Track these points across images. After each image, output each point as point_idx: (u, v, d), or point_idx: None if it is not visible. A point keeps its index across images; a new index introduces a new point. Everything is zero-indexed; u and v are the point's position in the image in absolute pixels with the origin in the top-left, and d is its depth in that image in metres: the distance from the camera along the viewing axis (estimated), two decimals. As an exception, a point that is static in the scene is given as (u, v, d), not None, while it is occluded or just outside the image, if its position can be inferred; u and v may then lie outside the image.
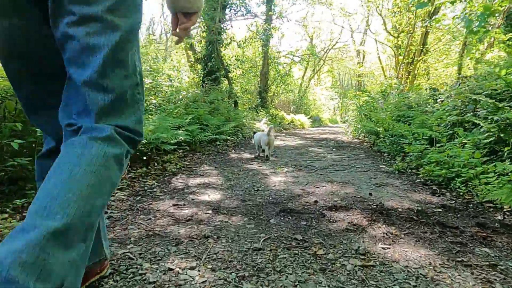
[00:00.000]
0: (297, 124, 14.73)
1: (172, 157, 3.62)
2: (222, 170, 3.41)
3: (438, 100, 4.58)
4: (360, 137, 7.13)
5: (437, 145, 3.21)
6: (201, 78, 9.92)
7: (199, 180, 2.91)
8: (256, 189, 2.57)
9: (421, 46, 11.12)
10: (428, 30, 10.04)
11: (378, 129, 5.21)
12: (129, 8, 0.80)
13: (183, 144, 4.38)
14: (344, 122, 32.84)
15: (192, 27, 0.99)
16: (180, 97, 5.36)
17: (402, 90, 7.12)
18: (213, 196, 2.37)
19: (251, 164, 3.79)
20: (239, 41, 11.14)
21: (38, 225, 0.58)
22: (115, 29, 0.76)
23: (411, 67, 11.39)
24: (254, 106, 13.28)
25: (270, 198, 2.31)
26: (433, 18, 8.81)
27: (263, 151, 4.26)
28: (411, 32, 10.67)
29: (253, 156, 4.53)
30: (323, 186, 2.66)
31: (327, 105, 30.58)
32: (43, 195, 0.64)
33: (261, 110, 12.72)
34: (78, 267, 0.64)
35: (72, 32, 0.74)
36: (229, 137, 5.79)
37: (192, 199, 2.26)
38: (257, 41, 11.75)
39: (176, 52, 14.40)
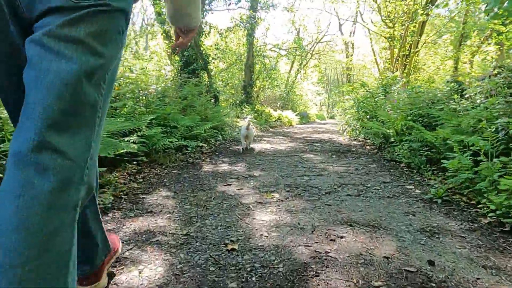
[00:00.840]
0: (284, 121, 13.72)
1: (111, 178, 2.50)
2: (184, 198, 2.32)
3: (466, 96, 3.63)
4: (359, 138, 6.17)
5: (494, 160, 2.22)
6: (178, 71, 8.76)
7: (141, 223, 1.82)
8: (229, 248, 1.50)
9: (419, 37, 10.28)
10: (430, 16, 9.14)
11: (388, 131, 4.23)
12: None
13: (139, 154, 3.26)
14: (331, 118, 32.38)
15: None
16: (139, 91, 4.20)
17: (405, 84, 6.19)
18: (148, 272, 1.28)
19: (229, 185, 2.71)
20: (221, 30, 9.98)
21: None
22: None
23: (407, 60, 10.55)
24: (238, 102, 12.19)
25: (254, 278, 1.24)
26: (441, 1, 7.95)
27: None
28: (409, 21, 9.78)
29: (232, 168, 3.46)
30: (340, 237, 1.62)
31: (313, 100, 29.78)
32: None
33: (246, 106, 11.64)
34: None
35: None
36: (202, 144, 4.63)
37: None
38: (241, 30, 10.60)
39: (151, 39, 13.05)
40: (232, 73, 15.19)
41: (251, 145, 4.99)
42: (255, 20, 10.35)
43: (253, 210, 2.05)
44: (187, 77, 7.10)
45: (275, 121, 12.65)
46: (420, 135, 3.19)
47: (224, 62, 11.56)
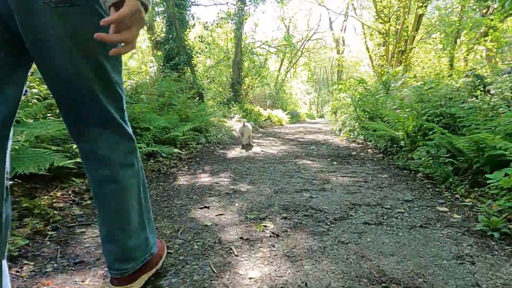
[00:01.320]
0: (274, 121, 13.12)
1: (42, 202, 1.80)
2: (141, 232, 1.64)
3: (492, 92, 3.06)
4: (358, 140, 5.59)
5: None
6: (160, 66, 8.02)
7: None
8: None
9: (415, 32, 9.82)
10: (428, 13, 8.65)
11: (397, 133, 3.65)
12: None
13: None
14: (321, 117, 31.97)
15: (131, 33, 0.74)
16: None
17: (408, 80, 5.64)
18: None
19: (206, 208, 2.05)
20: (206, 23, 9.26)
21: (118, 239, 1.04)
22: None
23: (403, 57, 10.07)
24: (226, 100, 11.51)
25: None
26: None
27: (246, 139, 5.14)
28: (405, 15, 9.29)
29: (214, 180, 2.80)
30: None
31: (303, 99, 29.30)
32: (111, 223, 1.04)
33: (234, 105, 10.98)
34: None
35: None
36: (177, 150, 3.88)
37: None
38: (229, 22, 9.90)
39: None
40: (220, 70, 14.48)
41: (250, 142, 5.38)
42: (243, 13, 9.65)
43: (236, 256, 1.40)
44: (169, 73, 6.40)
45: (264, 120, 12.03)
46: (445, 140, 2.59)
47: (209, 57, 10.84)
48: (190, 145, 4.47)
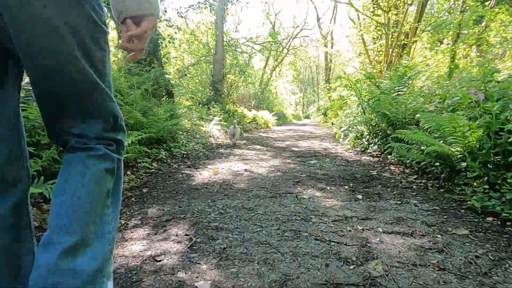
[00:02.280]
0: (260, 123, 11.81)
1: None
2: None
3: None
4: (370, 151, 4.32)
5: None
6: (124, 58, 6.55)
7: None
8: None
9: (418, 23, 8.75)
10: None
11: (453, 150, 2.37)
12: None
13: None
14: (307, 118, 30.90)
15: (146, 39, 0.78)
16: None
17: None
18: None
19: None
20: (180, 7, 7.83)
21: (56, 241, 0.70)
22: None
23: (405, 51, 8.97)
24: (205, 100, 10.10)
25: None
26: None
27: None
28: (408, 3, 8.18)
29: (153, 252, 1.43)
30: None
31: (289, 99, 28.26)
32: (57, 213, 0.73)
33: (215, 105, 9.58)
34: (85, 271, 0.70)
35: None
36: None
37: None
38: (207, 8, 8.48)
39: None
40: (201, 69, 13.05)
41: (238, 141, 5.66)
42: (224, -2, 8.26)
43: None
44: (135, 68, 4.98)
45: (249, 122, 10.71)
46: None
47: (184, 51, 9.42)
48: (141, 164, 3.06)
